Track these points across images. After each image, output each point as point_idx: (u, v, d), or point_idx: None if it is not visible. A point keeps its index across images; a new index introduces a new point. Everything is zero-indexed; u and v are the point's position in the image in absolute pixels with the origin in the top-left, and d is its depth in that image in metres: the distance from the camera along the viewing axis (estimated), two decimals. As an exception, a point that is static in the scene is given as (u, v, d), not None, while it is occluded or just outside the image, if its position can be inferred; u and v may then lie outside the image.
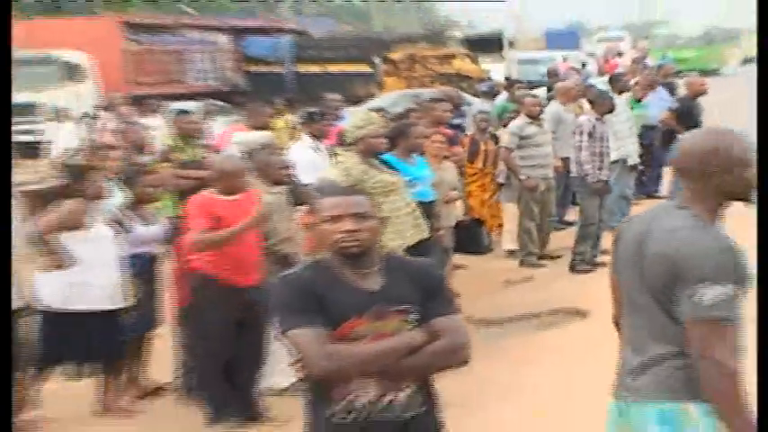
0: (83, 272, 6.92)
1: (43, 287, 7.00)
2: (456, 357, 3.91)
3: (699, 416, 3.70)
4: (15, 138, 12.09)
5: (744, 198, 3.82)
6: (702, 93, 13.54)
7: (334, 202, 3.90)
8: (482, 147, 11.37)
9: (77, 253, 6.90)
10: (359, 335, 3.81)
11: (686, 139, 3.98)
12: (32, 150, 18.96)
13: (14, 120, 15.11)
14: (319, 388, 3.93)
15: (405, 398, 3.91)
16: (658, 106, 13.93)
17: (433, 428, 4.03)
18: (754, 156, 3.82)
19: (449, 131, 10.44)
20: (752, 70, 19.42)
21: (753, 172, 3.77)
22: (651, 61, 25.15)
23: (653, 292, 3.74)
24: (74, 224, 6.99)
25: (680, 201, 3.79)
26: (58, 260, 6.95)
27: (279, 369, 7.24)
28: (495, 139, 11.64)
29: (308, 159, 9.16)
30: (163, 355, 7.88)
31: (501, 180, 11.34)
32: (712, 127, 4.44)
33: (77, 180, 7.22)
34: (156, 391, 7.68)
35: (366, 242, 3.87)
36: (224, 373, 7.03)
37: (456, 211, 9.81)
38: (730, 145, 3.75)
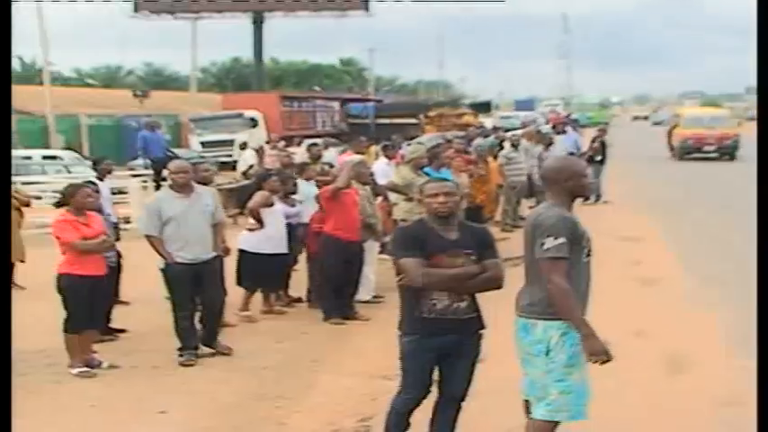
0: (267, 231, 10.18)
1: (248, 240, 10.27)
2: (495, 284, 5.27)
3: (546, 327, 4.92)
4: (220, 159, 19.97)
5: (581, 196, 5.22)
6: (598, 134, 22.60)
7: (433, 185, 5.44)
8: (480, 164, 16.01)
9: (266, 221, 10.21)
10: (442, 265, 5.21)
11: (548, 161, 5.71)
12: (230, 166, 26.53)
13: (220, 149, 26.79)
14: (413, 296, 5.25)
15: (464, 305, 5.28)
16: (571, 140, 22.19)
17: (479, 327, 5.38)
18: (586, 171, 5.19)
19: (470, 156, 14.95)
20: (637, 125, 69.64)
21: (585, 181, 5.09)
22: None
23: (529, 246, 5.02)
24: (264, 204, 10.29)
25: (548, 198, 5.09)
26: (257, 224, 10.15)
27: (363, 289, 10.71)
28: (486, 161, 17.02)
29: (383, 170, 13.07)
30: (300, 279, 11.20)
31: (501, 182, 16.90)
32: (560, 156, 6.53)
33: (261, 180, 10.71)
34: (296, 300, 11.10)
35: (450, 209, 5.33)
36: (333, 291, 10.18)
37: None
38: (570, 165, 5.17)
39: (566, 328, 4.85)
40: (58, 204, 8.54)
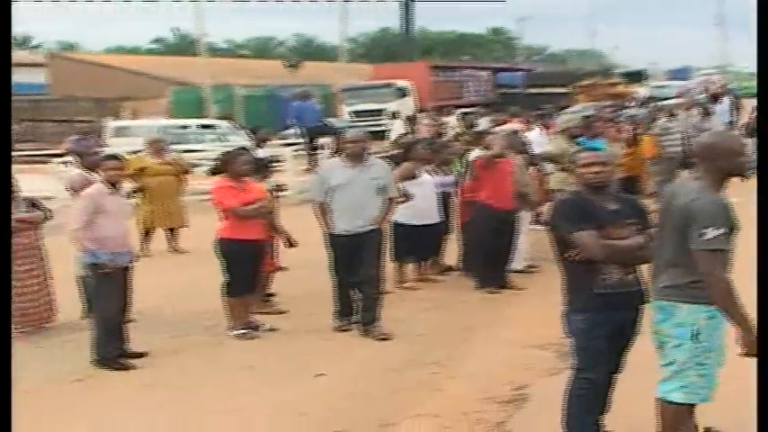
0: (416, 202, 10.00)
1: (399, 212, 9.81)
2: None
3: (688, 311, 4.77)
4: (371, 129, 20.06)
5: (735, 175, 4.85)
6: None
7: (587, 155, 5.33)
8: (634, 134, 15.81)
9: (412, 192, 9.98)
10: (610, 236, 5.11)
11: (701, 137, 5.32)
12: (380, 135, 26.45)
13: (370, 118, 27.16)
14: (584, 271, 5.14)
15: (632, 278, 5.22)
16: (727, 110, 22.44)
17: (643, 299, 5.23)
18: (743, 148, 4.86)
19: (623, 126, 14.80)
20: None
21: (741, 160, 4.80)
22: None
23: (669, 227, 4.79)
24: (406, 177, 10.15)
25: (698, 174, 4.82)
26: (404, 197, 9.81)
27: (516, 258, 10.67)
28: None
29: (537, 139, 12.97)
30: (453, 247, 11.26)
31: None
32: (716, 130, 6.20)
33: (407, 151, 10.75)
34: (448, 269, 11.15)
35: (604, 180, 5.24)
36: (486, 260, 10.23)
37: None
38: (725, 141, 4.88)
39: (712, 312, 4.73)
40: (214, 172, 8.79)
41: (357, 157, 8.59)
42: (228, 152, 8.90)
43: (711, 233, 4.57)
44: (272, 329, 8.81)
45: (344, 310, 8.83)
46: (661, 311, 4.90)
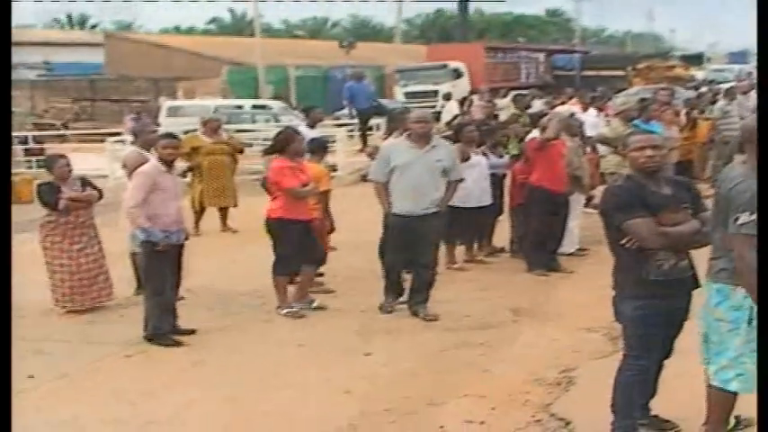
0: (466, 184, 9.49)
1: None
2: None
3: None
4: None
5: None
6: None
7: (639, 138, 5.26)
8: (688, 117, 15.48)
9: (464, 174, 9.23)
10: (665, 222, 5.03)
11: (746, 120, 5.39)
12: (433, 117, 27.21)
13: (424, 100, 27.29)
14: (639, 257, 5.07)
15: (685, 264, 5.17)
16: None
17: (696, 284, 5.25)
18: None
19: (680, 109, 14.50)
20: None
21: None
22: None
23: (723, 213, 4.78)
24: (461, 157, 9.71)
25: (746, 158, 4.85)
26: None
27: (567, 241, 10.63)
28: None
29: (592, 122, 12.90)
30: (502, 230, 11.30)
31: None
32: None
33: (457, 133, 10.70)
34: (499, 250, 11.17)
35: (657, 164, 5.15)
36: (537, 243, 10.24)
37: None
38: None
39: None
40: (269, 151, 8.87)
41: (422, 138, 8.47)
42: (286, 132, 8.92)
43: (745, 218, 4.56)
44: (320, 308, 8.87)
45: (394, 291, 8.82)
46: (718, 294, 4.88)
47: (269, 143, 9.16)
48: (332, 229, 9.70)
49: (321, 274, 9.70)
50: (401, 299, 8.79)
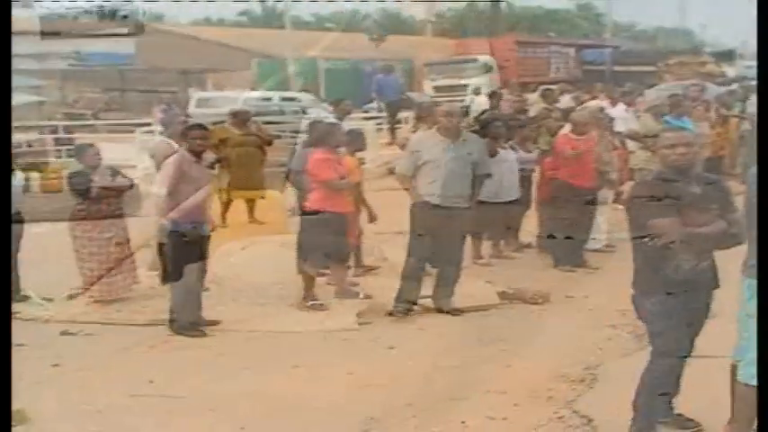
0: (494, 179, 9.47)
1: None
2: (738, 240, 5.05)
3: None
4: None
5: None
6: None
7: (671, 134, 5.26)
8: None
9: (492, 169, 9.25)
10: (690, 221, 4.99)
11: None
12: (463, 111, 27.19)
13: (452, 93, 26.98)
14: (659, 255, 5.04)
15: (706, 265, 5.16)
16: None
17: (716, 284, 5.24)
18: None
19: (711, 105, 14.45)
20: None
21: None
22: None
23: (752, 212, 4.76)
24: (488, 153, 9.50)
25: None
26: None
27: (594, 237, 10.64)
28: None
29: (622, 117, 12.82)
30: (529, 225, 11.20)
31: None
32: None
33: (483, 127, 10.67)
34: (526, 245, 11.20)
35: (689, 161, 5.14)
36: (564, 238, 10.11)
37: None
38: None
39: None
40: (309, 143, 8.86)
41: (452, 131, 8.41)
42: (327, 123, 8.97)
43: None
44: (368, 297, 8.92)
45: (404, 289, 8.58)
46: (748, 289, 4.84)
47: (297, 135, 9.12)
48: (372, 219, 9.66)
49: (348, 267, 9.65)
50: (424, 293, 8.70)
